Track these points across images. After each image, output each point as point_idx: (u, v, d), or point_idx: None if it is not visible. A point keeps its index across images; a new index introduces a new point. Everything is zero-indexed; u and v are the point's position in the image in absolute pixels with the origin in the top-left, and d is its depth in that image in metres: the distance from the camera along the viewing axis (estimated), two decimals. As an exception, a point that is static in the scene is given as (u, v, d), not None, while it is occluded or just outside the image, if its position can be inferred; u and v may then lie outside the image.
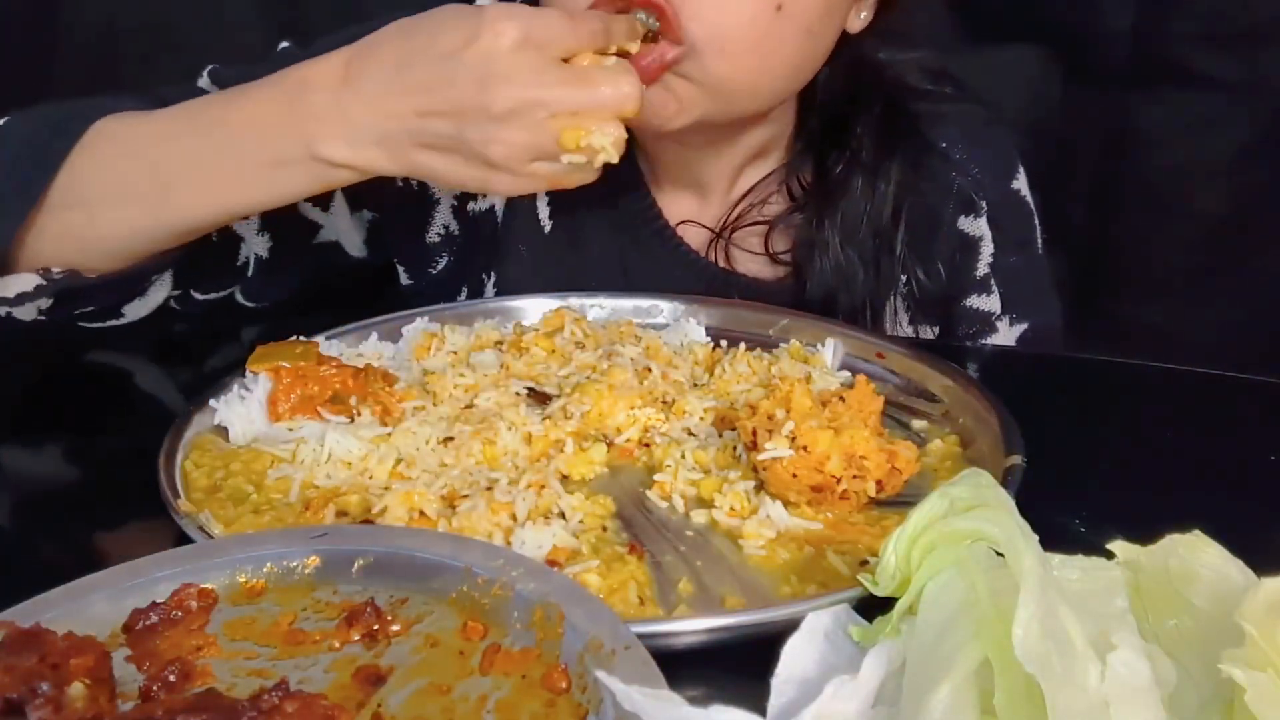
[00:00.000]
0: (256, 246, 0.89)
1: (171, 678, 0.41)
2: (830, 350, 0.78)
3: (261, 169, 0.72)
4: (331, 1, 1.19)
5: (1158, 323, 1.21)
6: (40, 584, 0.45)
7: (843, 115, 0.91)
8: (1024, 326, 0.96)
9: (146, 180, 0.75)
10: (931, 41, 1.18)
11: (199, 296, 0.87)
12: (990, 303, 0.95)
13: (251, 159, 0.72)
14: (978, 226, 0.94)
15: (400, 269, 0.97)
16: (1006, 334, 0.95)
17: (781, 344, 0.79)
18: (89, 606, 0.45)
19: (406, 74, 0.67)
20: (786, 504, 0.59)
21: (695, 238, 0.96)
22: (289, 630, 0.45)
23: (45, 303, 0.78)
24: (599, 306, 0.86)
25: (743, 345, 0.78)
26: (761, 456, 0.59)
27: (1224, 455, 0.68)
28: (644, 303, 0.86)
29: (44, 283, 0.77)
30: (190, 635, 0.44)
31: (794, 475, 0.58)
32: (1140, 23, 1.13)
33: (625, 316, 0.83)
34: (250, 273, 0.89)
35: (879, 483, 0.59)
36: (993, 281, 0.95)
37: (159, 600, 0.45)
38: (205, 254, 0.84)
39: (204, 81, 0.86)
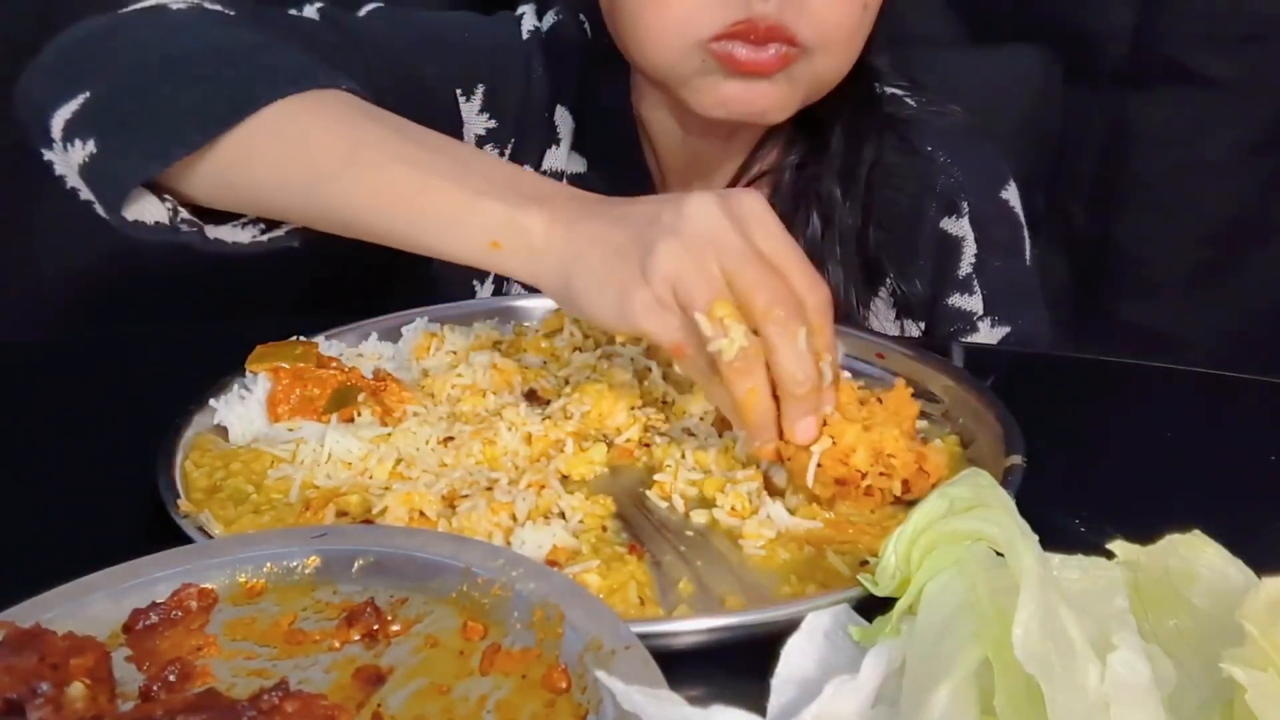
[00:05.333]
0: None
1: (171, 678, 0.41)
2: (830, 350, 0.78)
3: (442, 225, 0.63)
4: (330, 3, 1.19)
5: (1158, 323, 1.21)
6: (40, 584, 0.45)
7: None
8: (1006, 330, 0.96)
9: (340, 173, 0.66)
10: (931, 41, 1.19)
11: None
12: (972, 303, 0.96)
13: (438, 217, 0.63)
14: (960, 227, 0.95)
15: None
16: (988, 335, 0.96)
17: (781, 344, 0.79)
18: (89, 606, 0.45)
19: (606, 233, 0.59)
20: (806, 495, 0.59)
21: None
22: (289, 630, 0.45)
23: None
24: (599, 306, 0.85)
25: (743, 345, 0.78)
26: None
27: (1224, 455, 0.68)
28: (644, 303, 0.86)
29: (166, 223, 0.70)
30: (190, 635, 0.44)
31: (820, 465, 0.58)
32: (1140, 22, 1.13)
33: (625, 316, 0.83)
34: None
35: (905, 483, 0.58)
36: (975, 282, 0.96)
37: (159, 600, 0.45)
38: None
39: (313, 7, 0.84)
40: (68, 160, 0.70)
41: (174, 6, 0.75)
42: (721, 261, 0.56)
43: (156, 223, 0.71)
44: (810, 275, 0.58)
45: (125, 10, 0.75)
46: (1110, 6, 1.14)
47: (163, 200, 0.71)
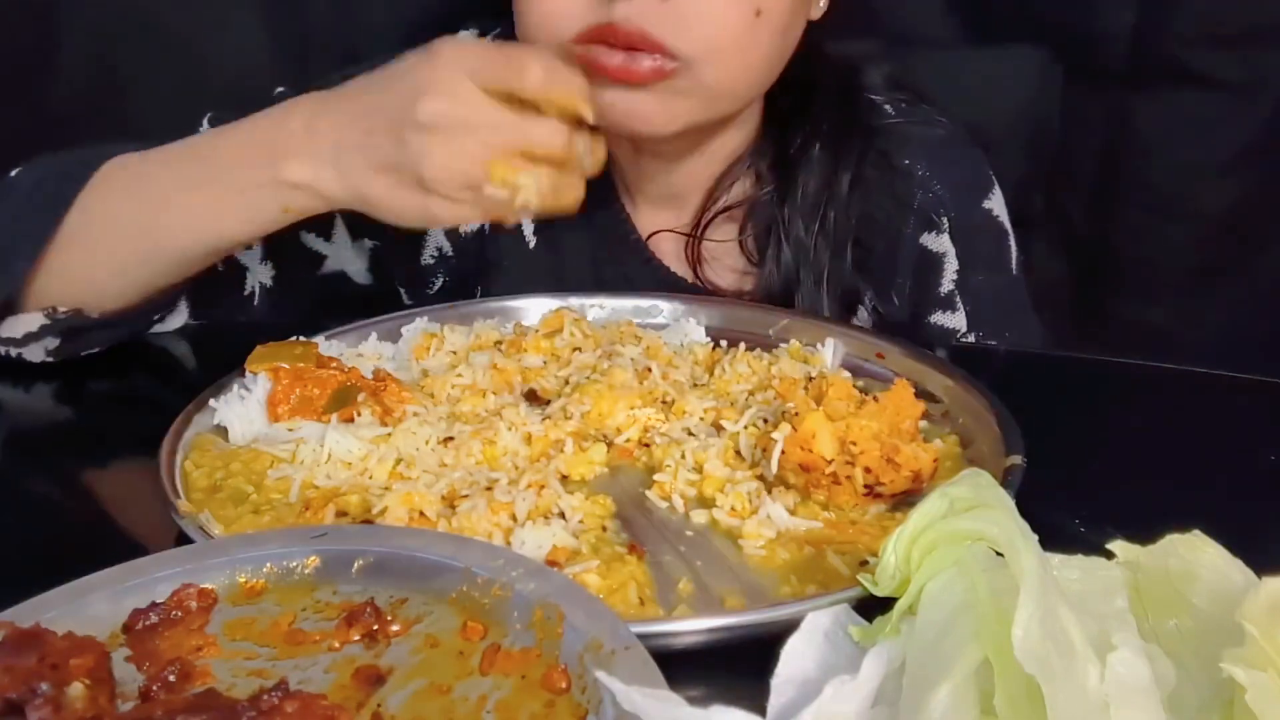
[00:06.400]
0: (261, 275, 0.93)
1: (171, 678, 0.41)
2: (830, 350, 0.78)
3: (235, 194, 0.76)
4: (331, 4, 1.19)
5: (1158, 323, 1.21)
6: (40, 584, 0.45)
7: (803, 100, 0.92)
8: (991, 346, 0.95)
9: (136, 212, 0.78)
10: (931, 41, 1.19)
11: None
12: (955, 320, 0.94)
13: (227, 185, 0.76)
14: (940, 243, 0.94)
15: (401, 292, 1.00)
16: None
17: (781, 344, 0.79)
18: (89, 606, 0.45)
19: (361, 99, 0.72)
20: (788, 488, 0.59)
21: (668, 252, 0.97)
22: (289, 630, 0.45)
23: (52, 342, 0.80)
24: (599, 307, 0.86)
25: (743, 345, 0.78)
26: (775, 435, 0.60)
27: (1224, 455, 0.68)
28: (644, 303, 0.86)
29: (48, 321, 0.79)
30: (190, 635, 0.44)
31: (783, 451, 0.59)
32: (1140, 23, 1.13)
33: (625, 316, 0.83)
34: (256, 302, 0.93)
35: (870, 472, 0.58)
36: (958, 299, 0.94)
37: (159, 600, 0.45)
38: (212, 285, 0.87)
39: (204, 129, 0.90)
40: None
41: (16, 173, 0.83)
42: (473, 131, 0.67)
43: (41, 326, 0.79)
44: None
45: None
46: (1110, 6, 1.13)
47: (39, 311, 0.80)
